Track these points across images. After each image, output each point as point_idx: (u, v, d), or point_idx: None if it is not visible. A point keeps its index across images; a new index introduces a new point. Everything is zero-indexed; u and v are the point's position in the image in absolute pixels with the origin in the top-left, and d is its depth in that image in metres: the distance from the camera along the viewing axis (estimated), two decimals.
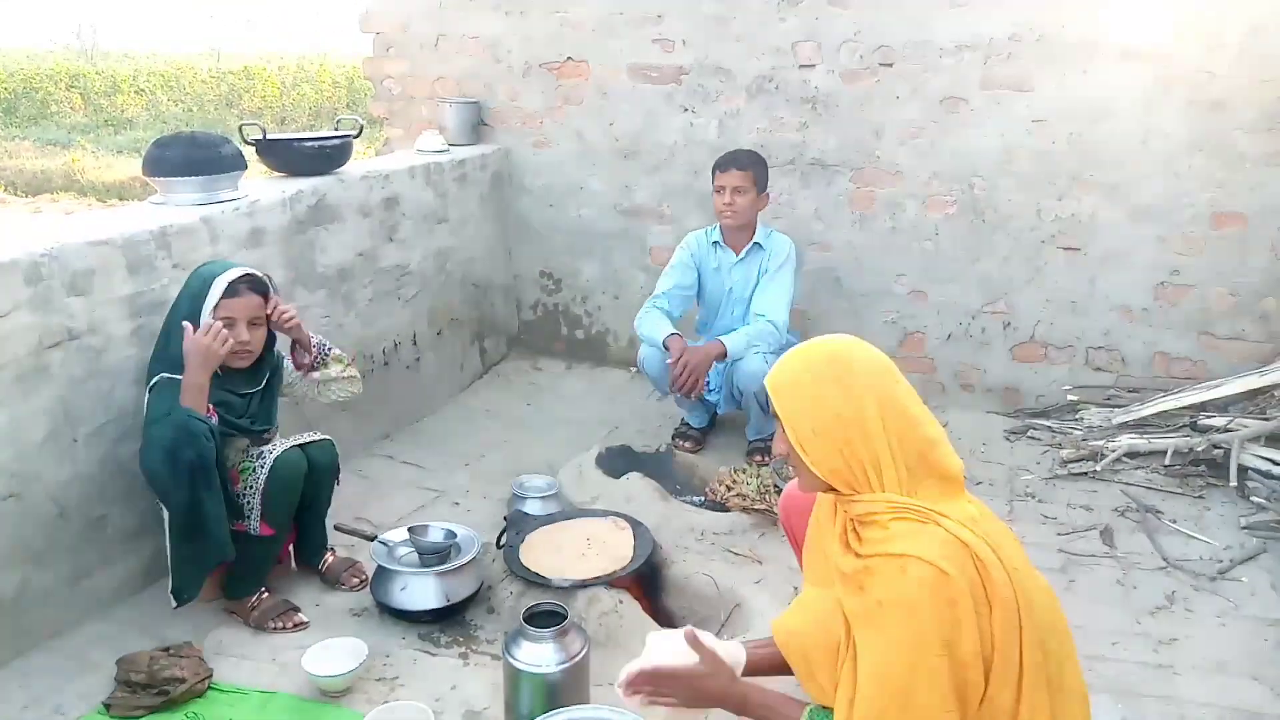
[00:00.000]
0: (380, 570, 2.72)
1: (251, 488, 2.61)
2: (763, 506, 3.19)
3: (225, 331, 2.50)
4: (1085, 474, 3.63)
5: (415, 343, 4.14)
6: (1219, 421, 3.64)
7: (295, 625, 2.65)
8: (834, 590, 1.69)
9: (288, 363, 2.90)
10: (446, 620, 2.68)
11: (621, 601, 2.61)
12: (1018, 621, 1.54)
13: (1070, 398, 4.11)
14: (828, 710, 1.67)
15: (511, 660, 2.14)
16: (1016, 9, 3.88)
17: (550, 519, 3.01)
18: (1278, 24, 3.62)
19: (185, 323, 2.51)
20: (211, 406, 2.53)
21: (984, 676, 1.53)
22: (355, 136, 3.75)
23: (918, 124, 4.12)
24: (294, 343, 2.88)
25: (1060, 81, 3.89)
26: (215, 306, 2.54)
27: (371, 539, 2.85)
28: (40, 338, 2.47)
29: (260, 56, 19.54)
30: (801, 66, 4.21)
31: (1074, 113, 3.91)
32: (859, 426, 1.61)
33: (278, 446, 2.66)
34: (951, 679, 1.51)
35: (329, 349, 2.96)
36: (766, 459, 3.62)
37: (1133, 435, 3.74)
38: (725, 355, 3.51)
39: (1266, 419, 3.56)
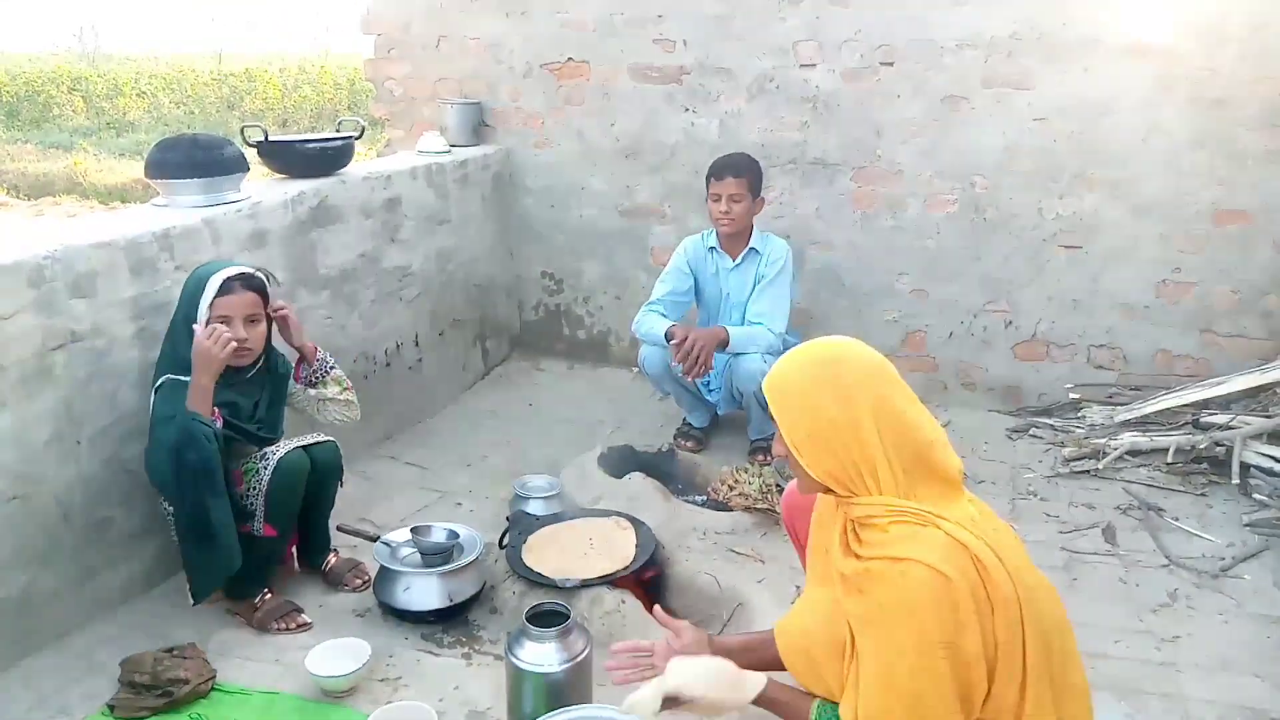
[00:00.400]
0: (383, 571, 2.72)
1: (255, 489, 2.61)
2: (765, 506, 3.19)
3: (226, 333, 2.51)
4: (1087, 472, 3.63)
5: (417, 343, 4.15)
6: (1221, 419, 3.64)
7: (298, 626, 2.65)
8: (835, 590, 1.70)
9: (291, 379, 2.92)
10: (449, 620, 2.68)
11: (624, 601, 2.62)
12: (1020, 621, 1.55)
13: (1072, 396, 4.11)
14: (835, 705, 1.68)
15: (514, 660, 2.14)
16: (1018, 7, 3.88)
17: (553, 519, 3.01)
18: (1279, 22, 3.62)
19: (195, 325, 2.53)
20: (217, 410, 2.54)
21: (987, 676, 1.54)
22: (357, 138, 3.76)
23: (919, 123, 4.12)
24: (299, 355, 2.90)
25: (1061, 79, 3.89)
26: (210, 305, 2.56)
27: (374, 540, 2.85)
28: (44, 340, 2.48)
29: (261, 58, 19.54)
30: (802, 66, 4.21)
31: (1076, 110, 3.91)
32: (852, 431, 1.61)
33: (281, 447, 2.66)
34: (954, 680, 1.52)
35: (331, 367, 2.95)
36: (768, 458, 3.62)
37: (1135, 433, 3.74)
38: (727, 342, 3.51)
39: (1269, 416, 3.55)
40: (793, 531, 2.26)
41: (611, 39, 4.46)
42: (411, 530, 2.84)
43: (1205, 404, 3.76)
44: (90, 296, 2.59)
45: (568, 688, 2.13)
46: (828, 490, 1.69)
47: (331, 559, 2.92)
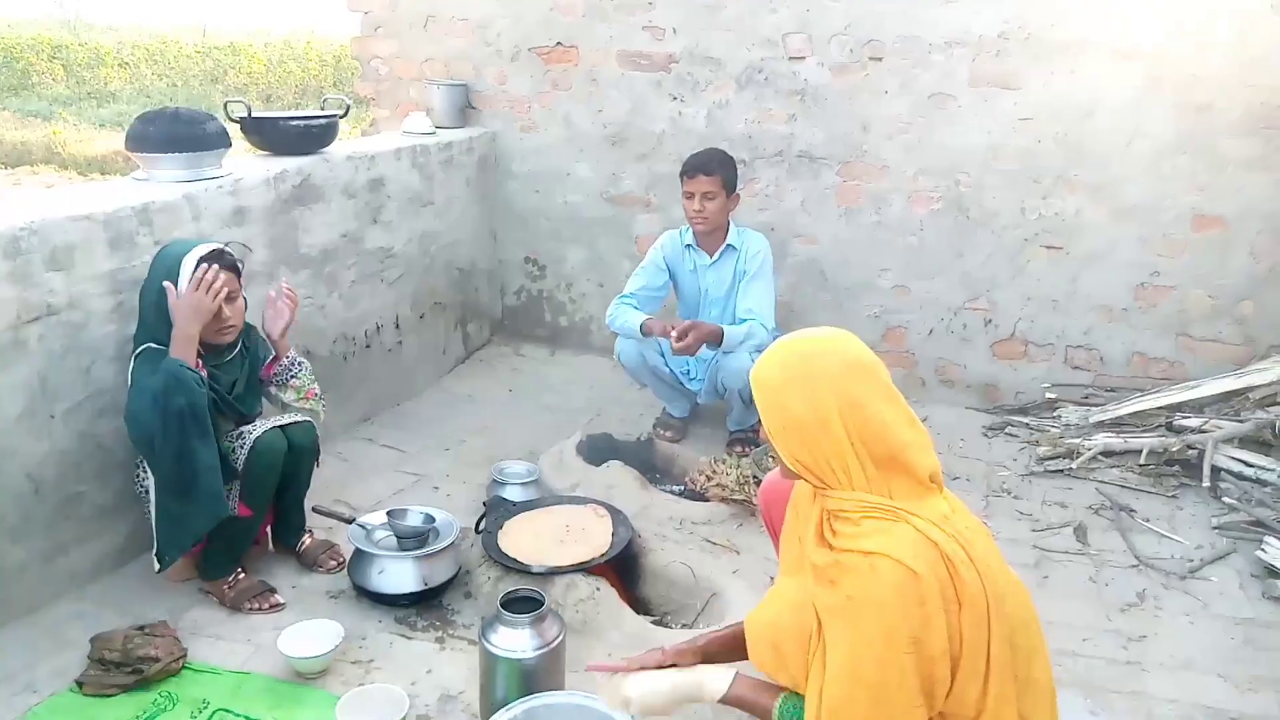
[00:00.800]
0: (358, 553, 2.71)
1: (232, 467, 2.60)
2: (742, 497, 3.20)
3: (218, 283, 2.49)
4: (1061, 471, 3.67)
5: (398, 326, 4.13)
6: (1194, 422, 3.68)
7: (271, 606, 2.64)
8: (806, 579, 1.71)
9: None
10: (423, 604, 2.68)
11: (599, 589, 2.62)
12: (986, 618, 1.56)
13: (1049, 395, 4.14)
14: (800, 697, 1.70)
15: (488, 645, 2.14)
16: (1006, 6, 3.88)
17: (530, 505, 3.01)
18: (1266, 28, 3.64)
19: (166, 283, 2.50)
20: (200, 363, 2.51)
21: (951, 672, 1.56)
22: (341, 116, 3.73)
23: (905, 119, 4.13)
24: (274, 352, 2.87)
25: (1048, 80, 3.91)
26: (190, 281, 2.53)
27: (350, 521, 2.84)
28: (19, 312, 2.45)
29: (247, 33, 19.32)
30: (791, 58, 4.21)
31: (1061, 112, 3.93)
32: (821, 428, 1.62)
33: (258, 427, 2.65)
34: (918, 674, 1.54)
35: (294, 374, 2.87)
36: (747, 450, 3.63)
37: (1109, 434, 3.77)
38: (720, 340, 3.50)
39: (1241, 421, 3.60)
40: (769, 523, 2.27)
41: (601, 24, 4.44)
42: (388, 513, 2.83)
43: (1179, 407, 3.80)
44: (67, 270, 2.56)
45: (540, 674, 2.13)
46: (804, 479, 1.71)
47: (306, 540, 2.91)
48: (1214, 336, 3.99)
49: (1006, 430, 4.06)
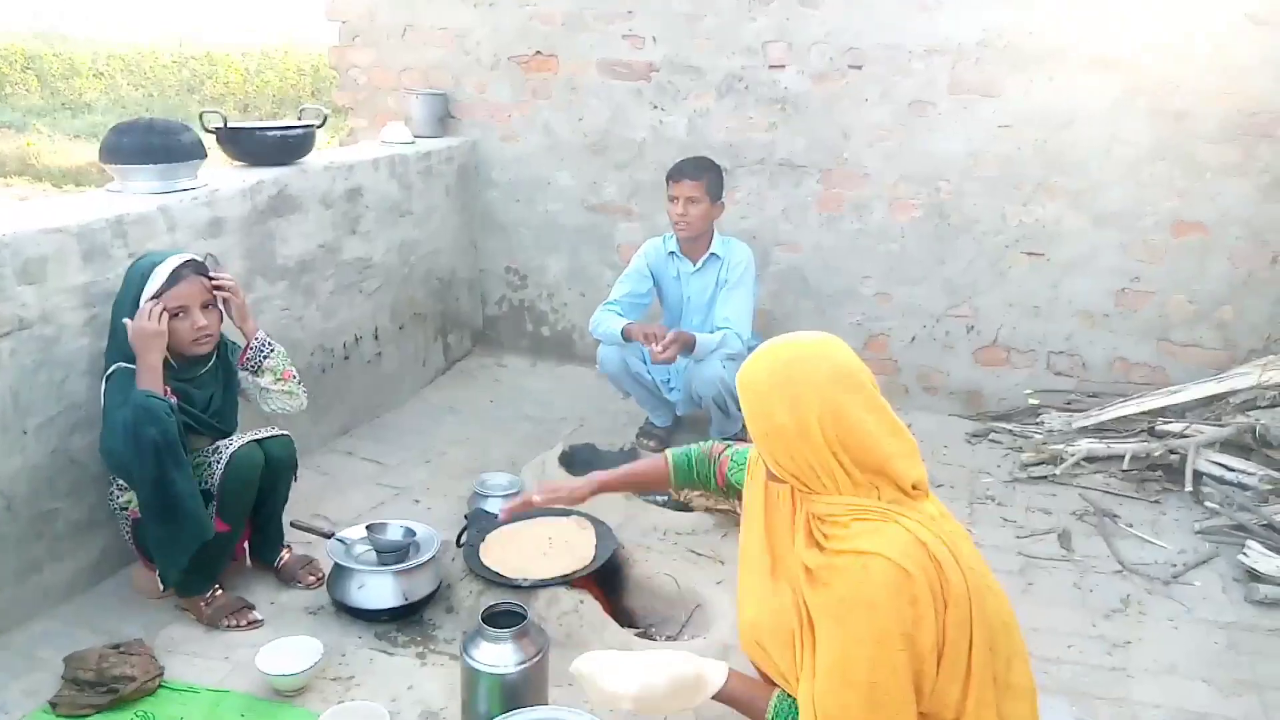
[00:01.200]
0: (337, 568, 2.67)
1: (207, 483, 2.56)
2: (725, 507, 3.18)
3: (157, 308, 2.47)
4: (1045, 477, 3.67)
5: (377, 337, 4.09)
6: (1176, 427, 3.69)
7: (249, 623, 2.60)
8: (796, 580, 1.70)
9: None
10: (404, 619, 2.64)
11: (582, 602, 2.60)
12: (969, 620, 1.58)
13: (1031, 401, 4.15)
14: (793, 698, 1.69)
15: (469, 660, 2.11)
16: (986, 15, 3.90)
17: (512, 518, 2.98)
18: (1243, 37, 3.67)
19: (125, 320, 2.48)
20: (169, 390, 2.49)
21: (936, 669, 1.56)
22: (319, 126, 3.70)
23: (886, 127, 4.13)
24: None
25: (1027, 88, 3.93)
26: (160, 295, 2.50)
27: (329, 536, 2.80)
28: None
29: (223, 43, 19.22)
30: (771, 67, 4.21)
31: (1040, 119, 3.94)
32: (802, 436, 1.62)
33: (234, 441, 2.62)
34: (910, 673, 1.55)
35: (267, 355, 2.79)
36: None
37: (1092, 440, 3.78)
38: (694, 347, 3.49)
39: (1222, 425, 3.61)
40: None
41: (580, 33, 4.43)
42: (367, 527, 2.79)
43: (1161, 412, 3.81)
44: (39, 283, 2.52)
45: (523, 688, 2.11)
46: (789, 483, 1.71)
47: (285, 555, 2.86)
48: (1194, 341, 4.01)
49: (990, 437, 4.06)
